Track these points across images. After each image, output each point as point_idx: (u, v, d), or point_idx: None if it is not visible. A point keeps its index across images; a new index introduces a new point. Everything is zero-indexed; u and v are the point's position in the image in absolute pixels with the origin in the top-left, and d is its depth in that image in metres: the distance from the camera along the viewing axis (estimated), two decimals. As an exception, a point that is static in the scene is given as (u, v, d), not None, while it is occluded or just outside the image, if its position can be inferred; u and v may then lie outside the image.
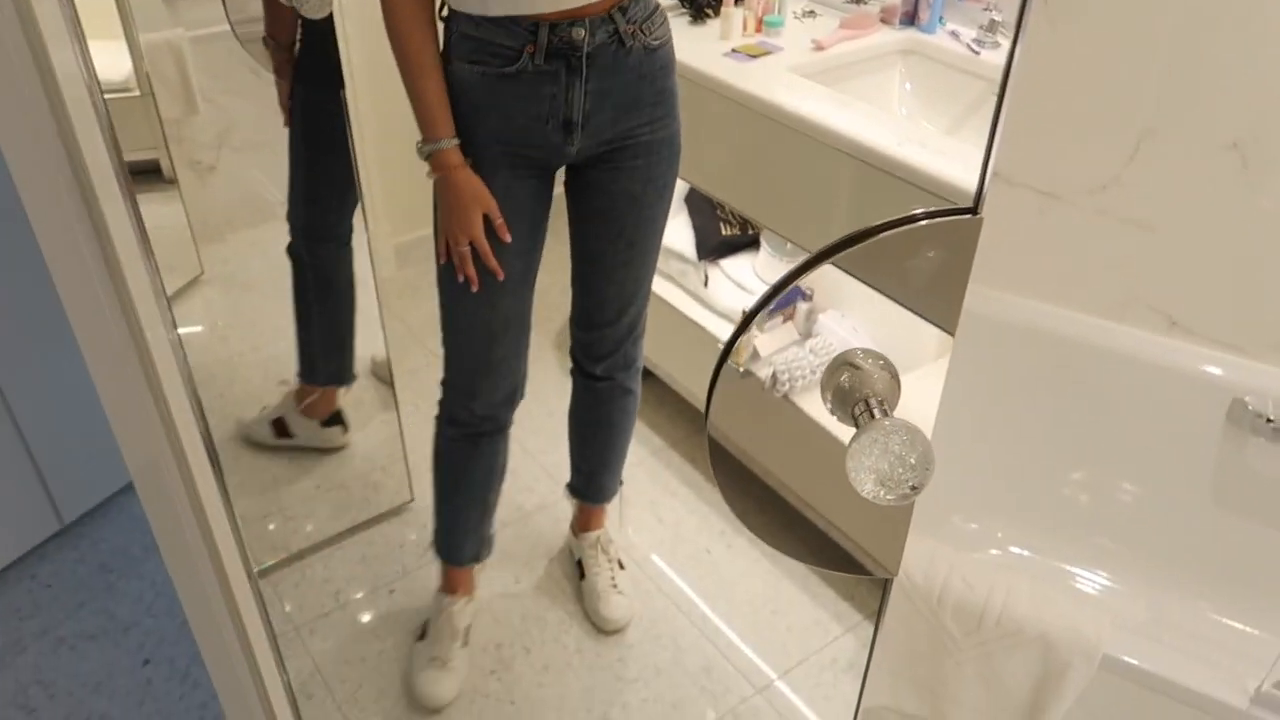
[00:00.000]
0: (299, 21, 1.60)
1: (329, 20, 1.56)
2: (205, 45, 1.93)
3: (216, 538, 0.67)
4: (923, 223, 0.65)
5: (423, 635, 1.62)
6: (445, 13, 1.23)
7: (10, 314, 1.72)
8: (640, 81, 1.25)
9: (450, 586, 1.63)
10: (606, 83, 1.23)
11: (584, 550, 1.73)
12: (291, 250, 1.83)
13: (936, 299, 0.72)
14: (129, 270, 0.59)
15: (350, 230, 1.84)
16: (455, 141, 1.24)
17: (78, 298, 0.61)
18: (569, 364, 1.58)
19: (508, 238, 1.28)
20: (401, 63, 1.22)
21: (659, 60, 1.27)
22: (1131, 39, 1.27)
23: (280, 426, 1.95)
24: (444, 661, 1.57)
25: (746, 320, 0.82)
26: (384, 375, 1.98)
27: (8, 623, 1.73)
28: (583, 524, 1.75)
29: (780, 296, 1.85)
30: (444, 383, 1.48)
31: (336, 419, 1.98)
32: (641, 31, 1.23)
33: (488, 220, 1.26)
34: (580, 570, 1.74)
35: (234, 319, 2.21)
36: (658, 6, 1.25)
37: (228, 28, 1.71)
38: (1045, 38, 1.32)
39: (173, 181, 2.38)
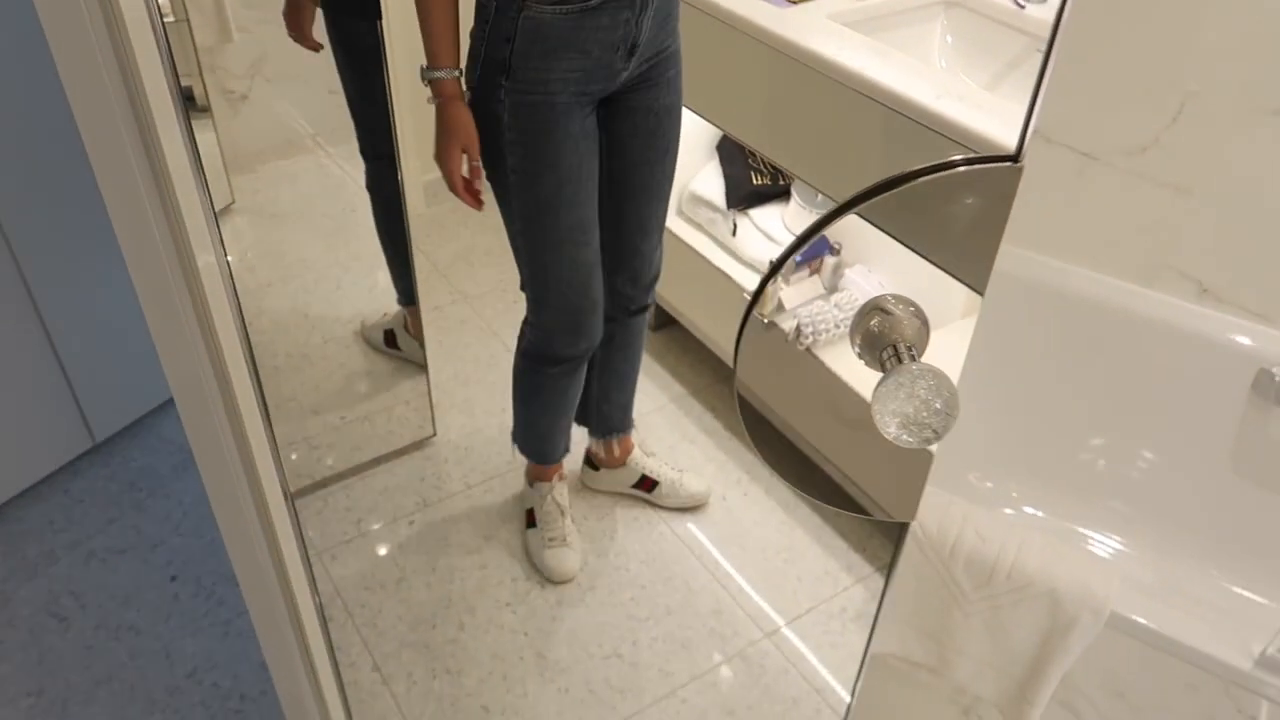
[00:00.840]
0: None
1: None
2: (240, -29, 1.93)
3: (255, 456, 0.69)
4: (961, 169, 0.65)
5: (532, 523, 1.73)
6: None
7: (50, 235, 1.74)
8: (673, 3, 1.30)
9: (546, 476, 1.74)
10: (658, 1, 1.26)
11: (643, 464, 1.83)
12: (369, 182, 1.86)
13: (967, 255, 0.72)
14: (180, 190, 0.60)
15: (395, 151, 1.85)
16: (456, 72, 1.26)
17: (127, 215, 0.62)
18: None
19: (481, 176, 1.32)
20: None
21: None
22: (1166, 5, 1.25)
23: (390, 338, 2.03)
24: (563, 539, 1.70)
25: (775, 266, 0.83)
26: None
27: (42, 535, 1.78)
28: (624, 453, 1.81)
29: (808, 245, 1.86)
30: (541, 325, 1.50)
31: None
32: None
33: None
34: (645, 483, 1.83)
35: (263, 249, 2.24)
36: None
37: (263, -45, 1.71)
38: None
39: (205, 110, 2.39)
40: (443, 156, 1.30)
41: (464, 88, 1.29)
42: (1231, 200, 1.36)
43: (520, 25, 1.21)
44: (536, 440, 1.71)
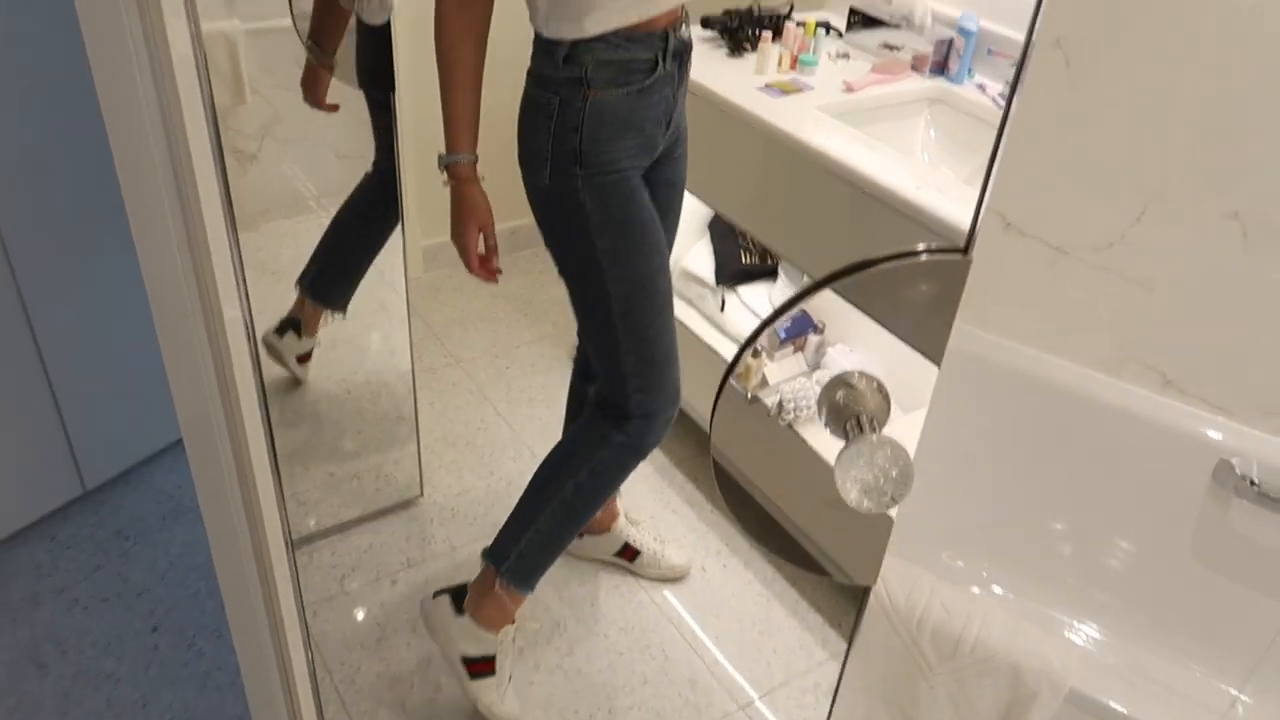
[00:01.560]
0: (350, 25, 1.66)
1: (385, 24, 1.63)
2: (259, 38, 2.00)
3: (261, 504, 0.71)
4: (922, 258, 0.71)
5: (486, 672, 1.55)
6: (566, 52, 1.24)
7: (59, 283, 1.79)
8: (688, 72, 1.36)
9: (514, 617, 1.57)
10: (684, 75, 1.34)
11: (627, 532, 1.84)
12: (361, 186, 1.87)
13: (928, 331, 0.78)
14: (214, 244, 0.64)
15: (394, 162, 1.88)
16: (473, 156, 1.30)
17: (158, 266, 0.66)
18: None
19: (498, 254, 1.36)
20: (443, 74, 1.27)
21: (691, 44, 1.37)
22: (1145, 104, 1.33)
23: (289, 326, 1.95)
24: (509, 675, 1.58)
25: (752, 338, 0.88)
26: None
27: (27, 579, 1.79)
28: (610, 519, 1.83)
29: (793, 323, 1.91)
30: (648, 410, 1.44)
31: (308, 356, 1.98)
32: (689, 25, 1.34)
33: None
34: (628, 552, 1.84)
35: (260, 305, 2.27)
36: None
37: (282, 22, 1.78)
38: (1063, 92, 1.38)
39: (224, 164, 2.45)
40: (461, 237, 1.33)
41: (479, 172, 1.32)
42: (1191, 297, 1.42)
43: (588, 112, 1.25)
44: (571, 530, 1.55)
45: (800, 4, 2.13)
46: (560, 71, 1.25)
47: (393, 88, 1.70)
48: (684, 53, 1.31)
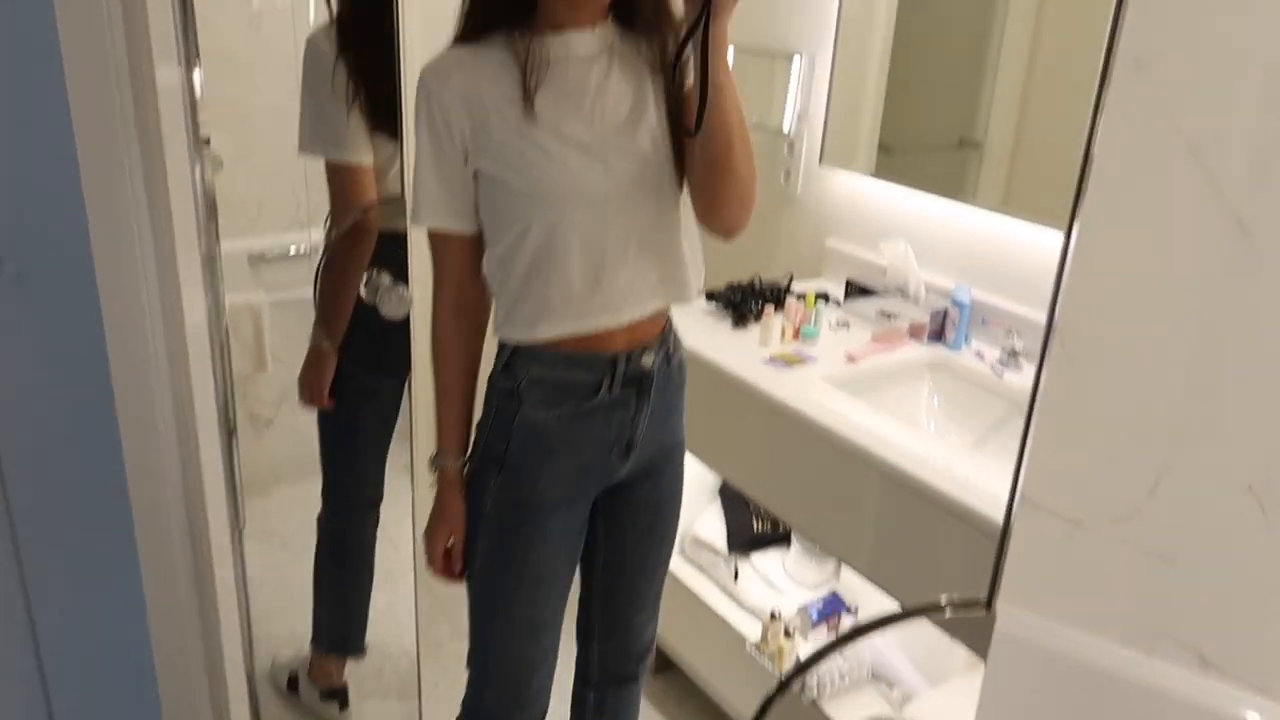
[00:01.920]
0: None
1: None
2: (283, 309, 2.09)
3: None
4: (946, 613, 0.70)
5: None
6: (507, 360, 1.26)
7: (59, 580, 1.76)
8: (677, 391, 1.34)
9: None
10: (659, 399, 1.29)
11: None
12: (323, 519, 1.89)
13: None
14: (212, 512, 0.63)
15: (381, 497, 1.90)
16: (461, 461, 1.30)
17: (152, 528, 0.65)
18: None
19: (461, 556, 1.33)
20: (435, 378, 1.30)
21: (685, 370, 1.36)
22: (1145, 379, 1.34)
23: (293, 681, 1.94)
24: None
25: (796, 670, 0.85)
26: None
27: None
28: None
29: (816, 599, 1.85)
30: (474, 709, 1.45)
31: (337, 693, 1.95)
32: (677, 346, 1.33)
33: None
34: None
35: (267, 574, 2.24)
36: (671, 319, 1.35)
37: (304, 293, 1.86)
38: (1062, 371, 1.40)
39: (231, 432, 2.49)
40: (430, 540, 1.33)
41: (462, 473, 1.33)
42: (1218, 572, 1.38)
43: (515, 428, 1.24)
44: None
45: (799, 273, 2.22)
46: (500, 379, 1.26)
47: (408, 371, 1.75)
48: (643, 379, 1.26)
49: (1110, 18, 1.02)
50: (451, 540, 1.32)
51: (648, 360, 1.26)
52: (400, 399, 1.85)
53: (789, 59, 2.20)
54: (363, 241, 1.60)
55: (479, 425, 1.31)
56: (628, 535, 1.40)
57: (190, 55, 0.98)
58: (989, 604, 0.67)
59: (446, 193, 1.20)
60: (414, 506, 1.89)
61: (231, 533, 1.31)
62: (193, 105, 0.97)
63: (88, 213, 1.05)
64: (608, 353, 1.23)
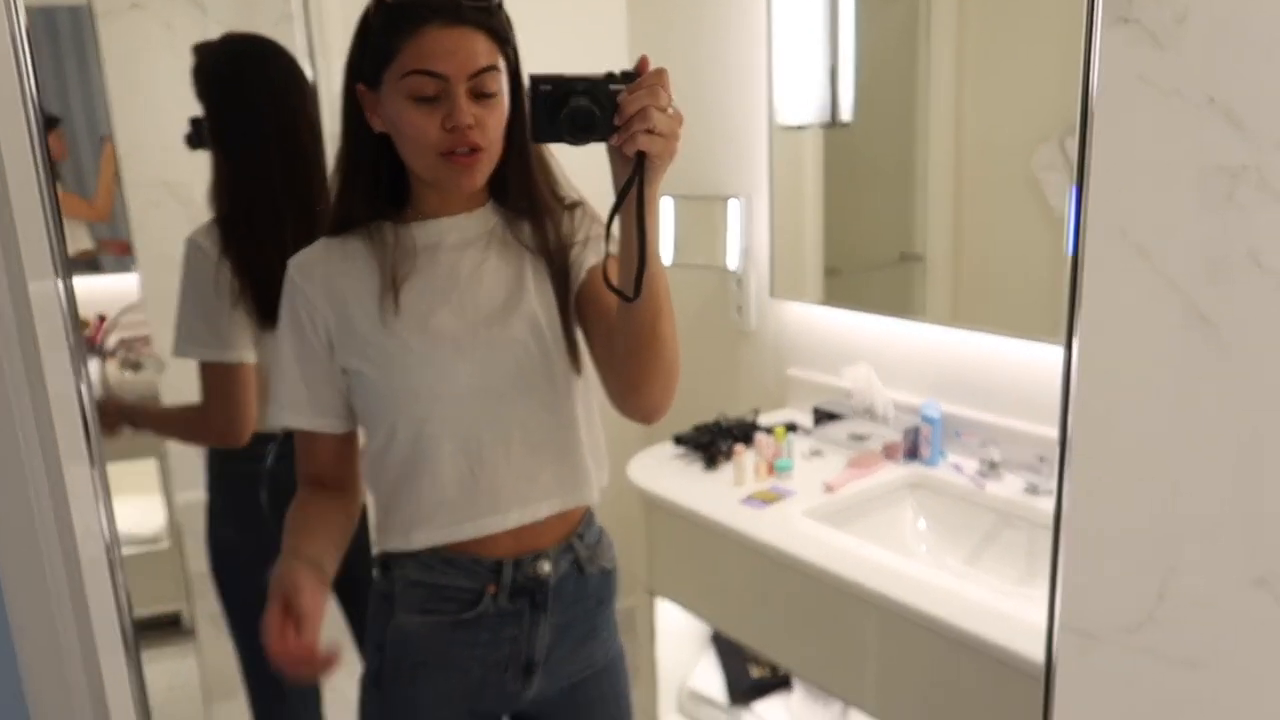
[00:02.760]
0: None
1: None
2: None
3: None
4: None
5: None
6: (384, 560, 1.17)
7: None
8: (600, 607, 1.21)
9: None
10: (567, 615, 1.17)
11: None
12: None
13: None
14: None
15: None
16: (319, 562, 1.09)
17: None
18: None
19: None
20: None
21: (612, 584, 1.24)
22: (1139, 481, 1.32)
23: None
24: None
25: None
26: None
27: None
28: None
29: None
30: None
31: None
32: (597, 555, 1.21)
33: None
34: None
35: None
36: (603, 529, 1.25)
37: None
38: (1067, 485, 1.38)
39: (190, 634, 2.37)
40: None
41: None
42: (1239, 672, 1.33)
43: (389, 636, 1.14)
44: None
45: (764, 406, 2.21)
46: (377, 583, 1.17)
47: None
48: (537, 590, 1.15)
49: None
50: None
51: (543, 568, 1.15)
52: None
53: (726, 202, 2.25)
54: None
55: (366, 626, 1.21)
56: None
57: (65, 266, 0.96)
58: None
59: (308, 389, 1.12)
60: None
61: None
62: (73, 315, 0.95)
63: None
64: (490, 557, 1.13)
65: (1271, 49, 0.92)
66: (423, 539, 1.12)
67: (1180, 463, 1.28)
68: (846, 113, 2.00)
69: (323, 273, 1.12)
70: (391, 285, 1.10)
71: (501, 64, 1.07)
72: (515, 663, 1.16)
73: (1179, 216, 1.04)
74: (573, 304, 1.15)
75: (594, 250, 1.16)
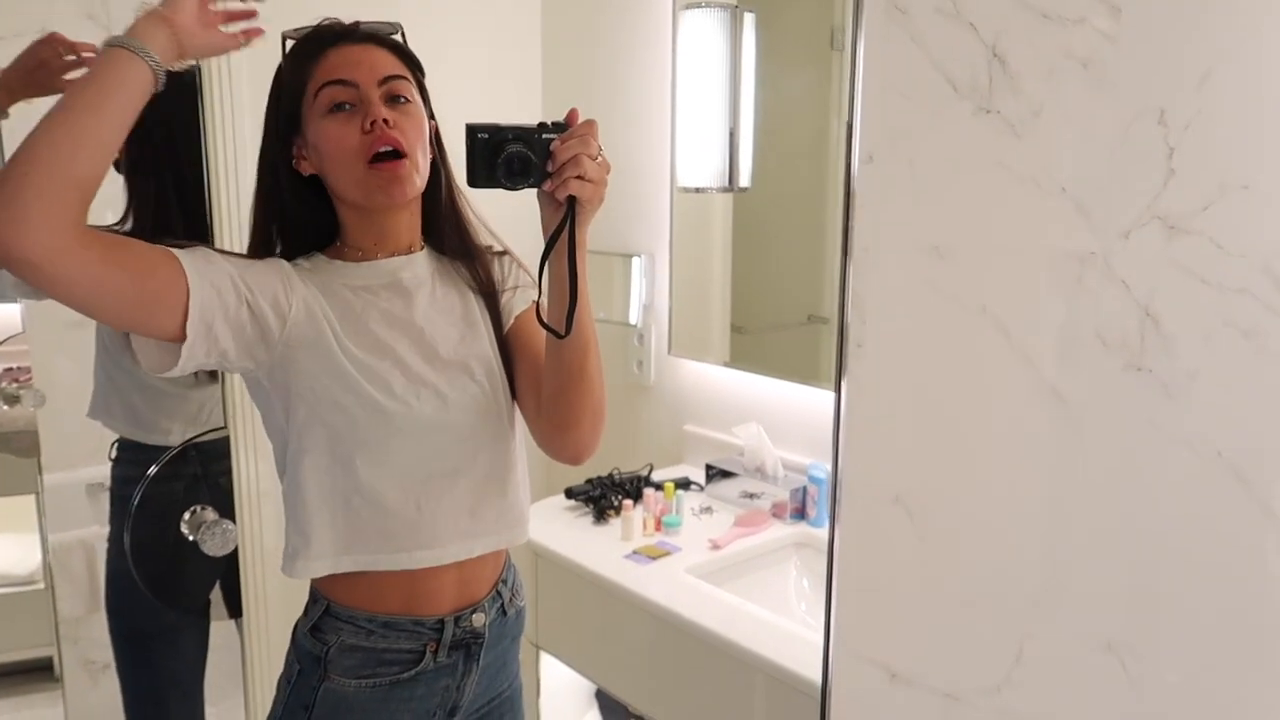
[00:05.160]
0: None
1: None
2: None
3: None
4: None
5: None
6: (316, 620, 1.15)
7: None
8: (511, 644, 1.25)
9: None
10: (489, 656, 1.20)
11: None
12: None
13: None
14: None
15: None
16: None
17: None
18: None
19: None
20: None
21: (523, 620, 1.27)
22: (998, 550, 1.37)
23: None
24: None
25: None
26: None
27: None
28: None
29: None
30: None
31: None
32: (515, 595, 1.25)
33: None
34: None
35: None
36: (515, 566, 1.27)
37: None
38: (913, 544, 1.43)
39: (59, 681, 2.27)
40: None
41: None
42: (1094, 735, 1.38)
43: (320, 697, 1.12)
44: None
45: (660, 461, 2.22)
46: (305, 640, 1.15)
47: (206, 615, 1.67)
48: (473, 643, 1.18)
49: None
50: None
51: (479, 620, 1.18)
52: (205, 643, 1.73)
53: (629, 259, 2.28)
54: None
55: (279, 682, 1.18)
56: None
57: None
58: None
59: (217, 270, 1.02)
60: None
61: None
62: None
63: None
64: (432, 617, 1.14)
65: (1112, 145, 0.98)
66: (352, 563, 1.11)
67: (1037, 531, 1.34)
68: (745, 178, 2.05)
69: (312, 278, 1.12)
70: (355, 313, 1.12)
71: (414, 80, 1.13)
72: (443, 709, 1.18)
73: (1037, 298, 1.10)
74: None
75: (521, 298, 1.22)
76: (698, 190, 2.10)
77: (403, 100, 1.10)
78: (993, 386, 1.15)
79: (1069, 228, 1.04)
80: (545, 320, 1.07)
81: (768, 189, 2.10)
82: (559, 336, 1.05)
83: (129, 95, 0.94)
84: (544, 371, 1.12)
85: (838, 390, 1.13)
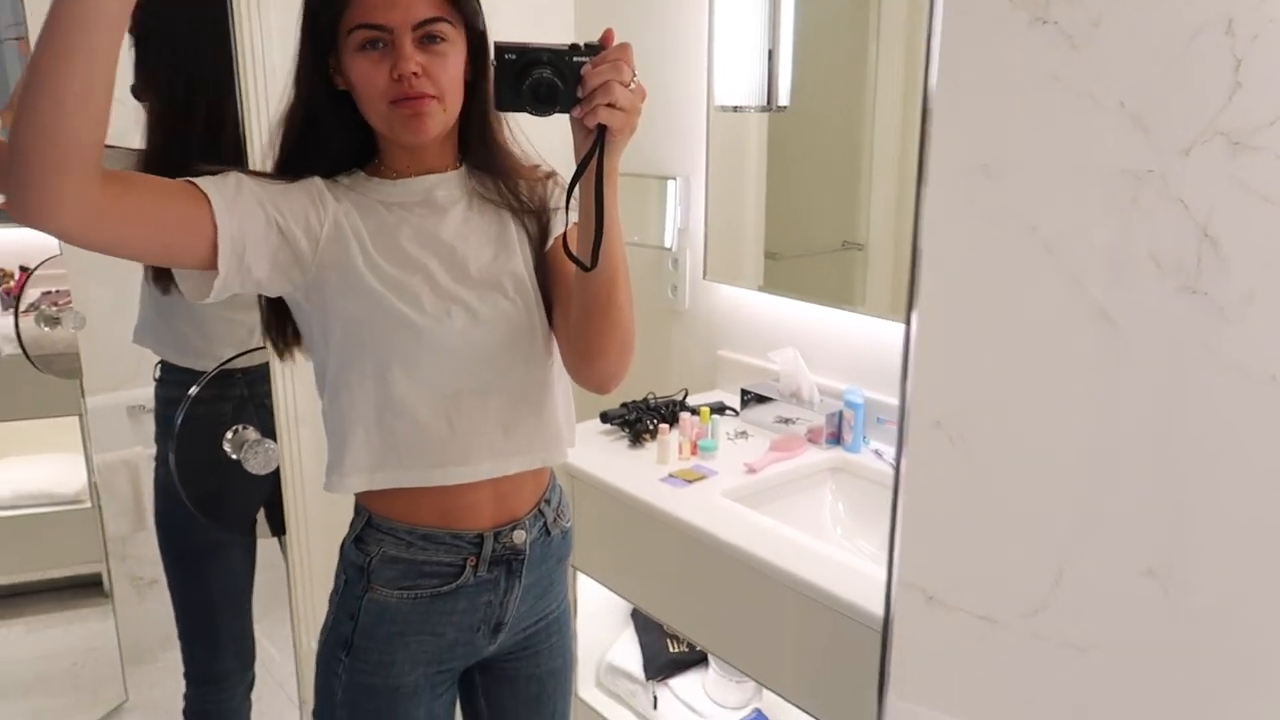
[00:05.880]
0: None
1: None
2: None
3: None
4: None
5: None
6: (360, 532, 1.18)
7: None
8: (557, 565, 1.26)
9: None
10: (534, 575, 1.22)
11: None
12: (186, 700, 1.78)
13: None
14: None
15: (246, 665, 1.81)
16: None
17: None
18: None
19: None
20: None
21: (570, 541, 1.28)
22: (1040, 472, 1.37)
23: None
24: None
25: None
26: None
27: None
28: None
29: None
30: None
31: None
32: (560, 516, 1.26)
33: None
34: None
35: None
36: (562, 489, 1.29)
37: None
38: (955, 464, 1.42)
39: (109, 597, 2.34)
40: None
41: None
42: (1128, 658, 1.38)
43: (364, 606, 1.15)
44: None
45: (693, 386, 2.22)
46: (350, 552, 1.18)
47: (253, 533, 1.70)
48: (514, 559, 1.19)
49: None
50: None
51: (519, 537, 1.19)
52: (253, 559, 1.77)
53: (664, 182, 2.24)
54: None
55: (330, 597, 1.21)
56: (514, 715, 1.30)
57: None
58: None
59: (245, 198, 1.02)
60: (298, 666, 1.78)
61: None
62: None
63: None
64: (471, 532, 1.16)
65: (1175, 57, 0.94)
66: (385, 480, 1.12)
67: (1080, 454, 1.32)
68: (784, 96, 2.00)
69: (349, 195, 1.12)
70: (388, 229, 1.11)
71: (456, 17, 1.09)
72: (487, 624, 1.19)
73: (1088, 218, 1.07)
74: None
75: (560, 221, 1.19)
76: (735, 109, 2.05)
77: (438, 40, 1.07)
78: (1040, 308, 1.13)
79: (1125, 144, 1.00)
80: (572, 251, 1.04)
81: (806, 108, 2.05)
82: (584, 269, 1.03)
83: (95, 32, 0.82)
84: (572, 299, 1.11)
85: (908, 320, 1.11)
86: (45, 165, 0.84)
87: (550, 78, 0.96)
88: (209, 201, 0.99)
